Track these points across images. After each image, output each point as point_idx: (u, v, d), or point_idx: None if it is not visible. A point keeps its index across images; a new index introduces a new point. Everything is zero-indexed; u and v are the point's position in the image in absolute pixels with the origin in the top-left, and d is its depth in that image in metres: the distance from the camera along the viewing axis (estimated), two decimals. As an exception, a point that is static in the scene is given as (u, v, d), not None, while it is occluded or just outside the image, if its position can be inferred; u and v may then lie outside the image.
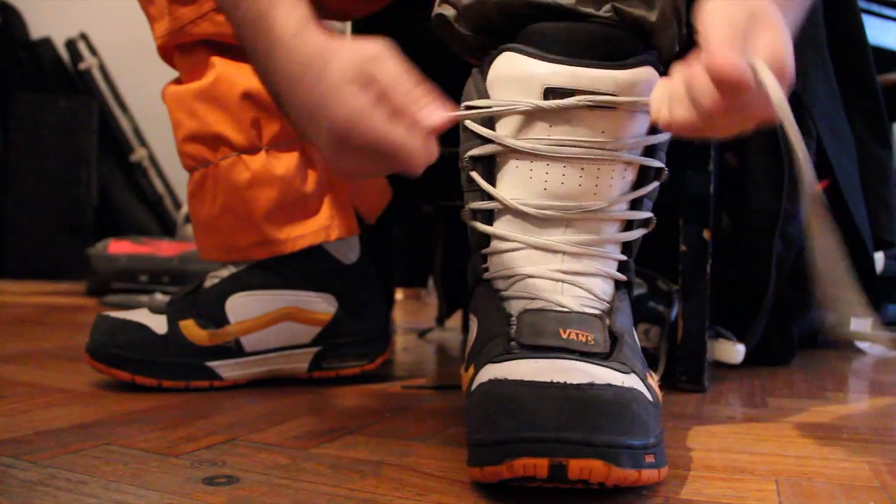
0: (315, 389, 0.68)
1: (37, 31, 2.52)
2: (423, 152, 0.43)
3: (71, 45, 2.49)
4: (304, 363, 0.70)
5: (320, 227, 0.69)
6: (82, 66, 2.48)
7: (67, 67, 2.51)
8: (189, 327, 0.66)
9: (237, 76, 0.66)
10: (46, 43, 2.48)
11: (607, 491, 0.38)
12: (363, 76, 0.44)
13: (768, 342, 0.86)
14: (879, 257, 0.93)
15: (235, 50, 0.67)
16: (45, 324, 1.14)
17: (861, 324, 1.09)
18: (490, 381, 0.38)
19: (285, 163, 0.67)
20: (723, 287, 0.78)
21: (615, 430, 0.34)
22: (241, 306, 0.67)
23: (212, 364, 0.66)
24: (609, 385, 0.36)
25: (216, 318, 0.67)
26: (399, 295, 1.80)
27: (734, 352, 0.76)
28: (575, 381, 0.35)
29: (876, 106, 0.91)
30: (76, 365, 0.75)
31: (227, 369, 0.67)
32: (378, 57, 0.44)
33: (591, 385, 0.35)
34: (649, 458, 0.36)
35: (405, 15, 0.64)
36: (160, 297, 1.56)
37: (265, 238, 0.67)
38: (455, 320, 1.19)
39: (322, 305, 0.70)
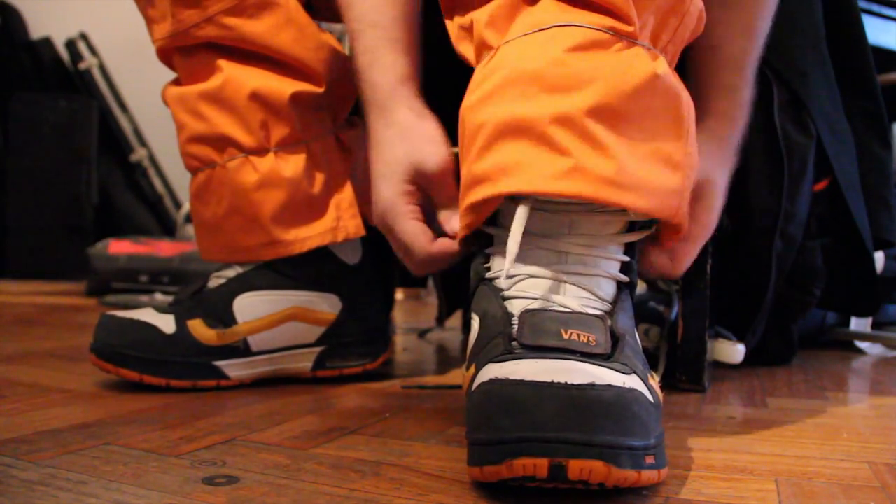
0: (315, 389, 0.68)
1: (37, 31, 2.52)
2: (423, 265, 0.55)
3: (71, 45, 2.49)
4: (308, 362, 0.71)
5: (327, 228, 0.69)
6: (82, 66, 2.48)
7: (67, 67, 2.51)
8: (197, 327, 0.66)
9: (245, 78, 0.66)
10: (46, 43, 2.48)
11: (607, 491, 0.38)
12: (419, 178, 0.54)
13: (768, 342, 0.86)
14: (879, 257, 0.93)
15: (241, 53, 0.67)
16: (45, 324, 1.14)
17: (861, 324, 1.09)
18: (490, 380, 0.38)
19: (293, 164, 0.68)
20: (723, 287, 0.78)
21: (616, 430, 0.34)
22: (249, 306, 0.67)
23: (219, 363, 0.66)
24: (610, 386, 0.36)
25: (224, 318, 0.67)
26: (399, 295, 1.81)
27: (734, 352, 0.76)
28: (576, 382, 0.35)
29: (876, 106, 0.91)
30: (76, 365, 0.75)
31: (233, 369, 0.67)
32: (441, 163, 0.54)
33: (591, 386, 0.35)
34: (649, 459, 0.36)
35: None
36: (160, 297, 1.56)
37: (273, 239, 0.67)
38: (455, 320, 1.19)
39: (327, 306, 0.71)
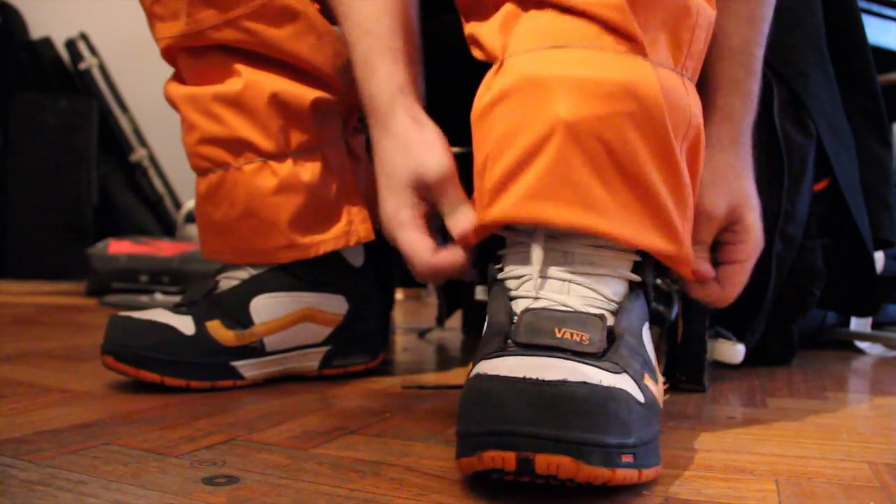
0: (315, 389, 0.68)
1: (37, 31, 2.52)
2: (426, 276, 0.54)
3: (71, 45, 2.49)
4: (315, 361, 0.72)
5: (341, 232, 0.70)
6: (82, 66, 2.48)
7: (67, 67, 2.51)
8: (216, 328, 0.66)
9: (265, 83, 0.67)
10: (46, 43, 2.48)
11: (607, 491, 0.38)
12: (421, 187, 0.54)
13: (768, 342, 0.86)
14: (879, 257, 0.93)
15: (259, 57, 0.67)
16: (45, 324, 1.14)
17: (861, 324, 1.09)
18: (473, 376, 0.39)
19: (310, 170, 0.68)
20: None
21: (587, 427, 0.34)
22: (265, 307, 0.68)
23: (236, 364, 0.67)
24: (584, 383, 0.35)
25: (241, 319, 0.67)
26: (399, 295, 1.80)
27: (734, 352, 0.76)
28: (547, 378, 0.35)
29: (876, 106, 0.91)
30: (76, 365, 0.75)
31: (248, 369, 0.68)
32: (441, 170, 0.53)
33: (563, 382, 0.35)
34: (626, 458, 0.36)
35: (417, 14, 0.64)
36: (160, 297, 1.56)
37: (290, 243, 0.68)
38: (455, 320, 1.19)
39: (335, 306, 0.72)
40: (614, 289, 0.47)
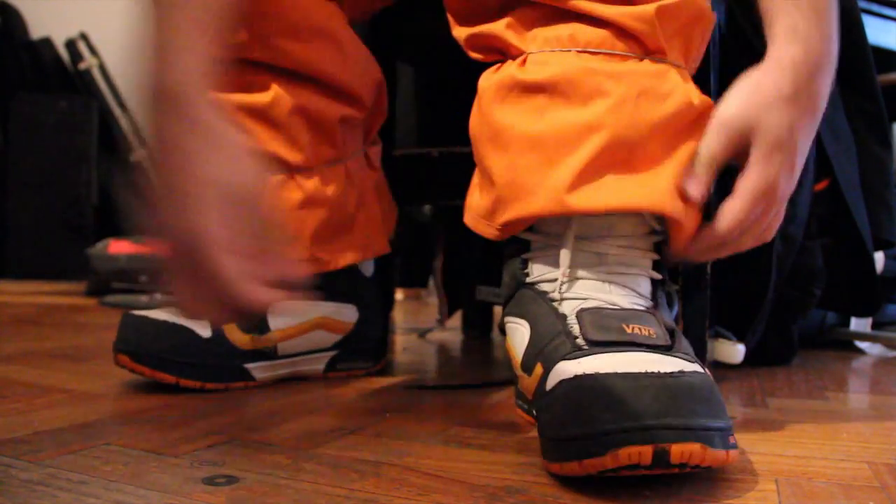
0: (315, 389, 0.68)
1: (37, 31, 2.52)
2: (252, 301, 0.43)
3: (71, 45, 2.49)
4: (321, 365, 0.73)
5: (360, 245, 0.71)
6: (82, 66, 2.48)
7: (67, 67, 2.51)
8: (232, 331, 0.66)
9: (294, 98, 0.66)
10: (46, 43, 2.48)
11: (607, 491, 0.38)
12: (236, 194, 0.43)
13: (768, 342, 0.86)
14: (879, 257, 0.93)
15: (287, 72, 0.66)
16: (45, 324, 1.14)
17: (861, 324, 1.09)
18: (577, 376, 0.38)
19: (334, 183, 0.69)
20: (723, 287, 0.78)
21: (707, 413, 0.36)
22: (282, 315, 0.69)
23: (248, 366, 0.67)
24: (695, 372, 0.38)
25: (259, 324, 0.68)
26: (399, 295, 1.80)
27: (734, 352, 0.76)
28: (667, 370, 0.37)
29: (876, 106, 0.91)
30: (76, 365, 0.75)
31: (260, 371, 0.68)
32: (264, 188, 0.44)
33: (681, 373, 0.37)
34: (732, 440, 0.38)
35: (419, 14, 0.64)
36: (160, 297, 1.56)
37: (312, 256, 0.68)
38: (455, 320, 1.19)
39: (348, 315, 0.73)
40: (645, 287, 0.48)
